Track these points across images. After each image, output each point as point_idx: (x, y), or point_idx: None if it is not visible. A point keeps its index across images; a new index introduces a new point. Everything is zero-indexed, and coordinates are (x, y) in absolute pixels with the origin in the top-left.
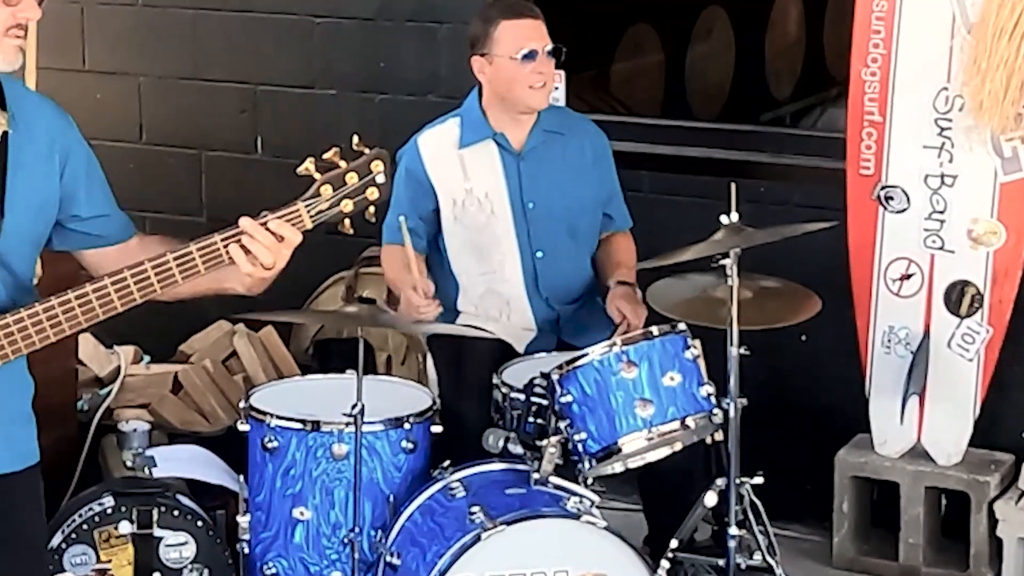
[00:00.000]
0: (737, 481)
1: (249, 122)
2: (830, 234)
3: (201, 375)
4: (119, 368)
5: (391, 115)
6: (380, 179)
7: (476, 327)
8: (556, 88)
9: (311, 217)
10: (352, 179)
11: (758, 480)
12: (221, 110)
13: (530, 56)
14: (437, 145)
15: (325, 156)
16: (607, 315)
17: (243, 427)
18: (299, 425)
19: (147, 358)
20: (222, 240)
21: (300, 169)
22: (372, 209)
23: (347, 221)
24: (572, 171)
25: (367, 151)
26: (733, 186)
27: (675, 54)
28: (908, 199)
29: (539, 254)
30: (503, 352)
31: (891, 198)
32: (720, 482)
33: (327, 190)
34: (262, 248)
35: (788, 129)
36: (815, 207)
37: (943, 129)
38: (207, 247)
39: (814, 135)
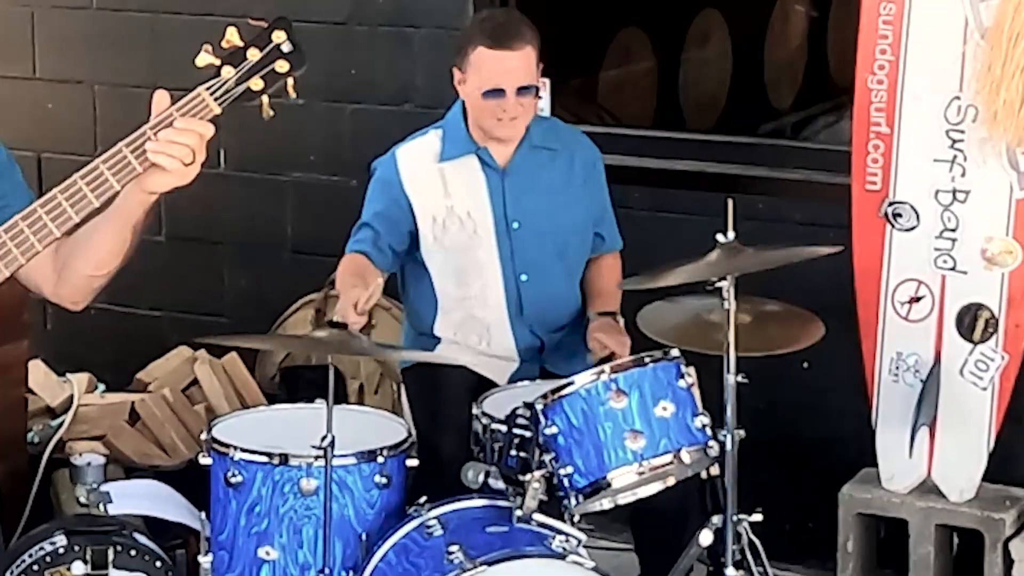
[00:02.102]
0: (734, 519)
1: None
2: (834, 254)
3: (160, 405)
4: (72, 397)
5: (363, 126)
6: (285, 48)
7: (453, 358)
8: (540, 97)
9: (217, 100)
10: (254, 54)
11: (757, 517)
12: None
13: (495, 94)
14: (417, 159)
15: (223, 43)
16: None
17: (205, 460)
18: (265, 458)
19: (102, 387)
20: (129, 148)
21: (198, 60)
22: (291, 83)
23: (265, 101)
24: (561, 188)
25: (266, 24)
26: (730, 202)
27: (668, 61)
28: (917, 216)
29: (524, 277)
30: (483, 380)
31: (899, 215)
32: (716, 520)
33: (228, 70)
34: (178, 147)
35: (789, 141)
36: (817, 225)
37: (955, 141)
38: (114, 160)
39: (817, 148)
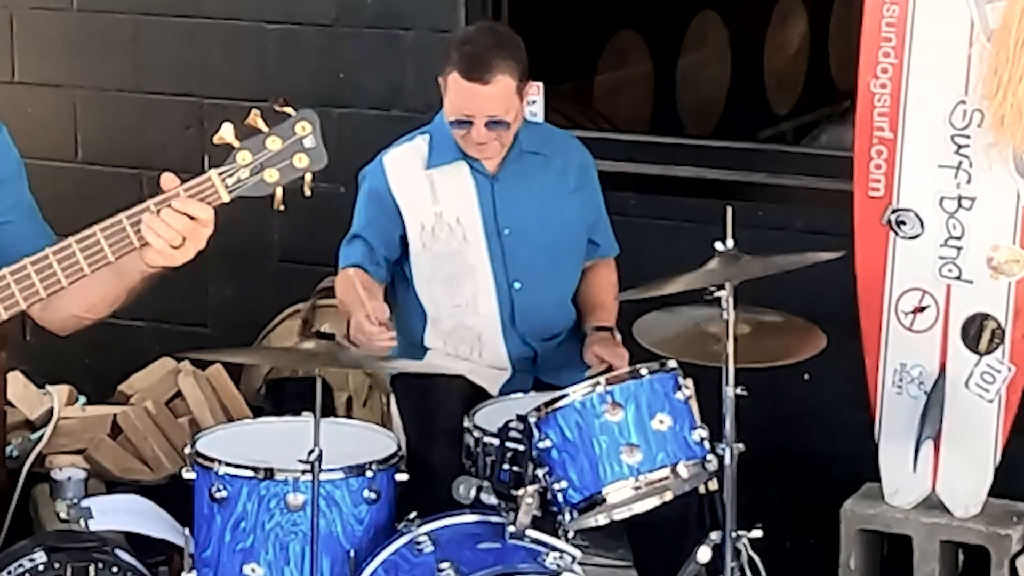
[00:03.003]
0: (733, 535)
1: (196, 139)
2: (836, 262)
3: (142, 418)
4: (52, 410)
5: (351, 131)
6: (308, 143)
7: (445, 367)
8: (533, 102)
9: (227, 188)
10: (275, 143)
11: (756, 533)
12: (165, 126)
13: (462, 124)
14: (404, 164)
15: (246, 122)
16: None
17: (188, 475)
18: (250, 473)
19: (83, 399)
20: (128, 220)
21: (216, 137)
22: (309, 178)
23: (278, 194)
24: (553, 194)
25: (294, 113)
26: (729, 210)
27: (665, 64)
28: (922, 224)
29: (516, 285)
30: (475, 393)
31: (903, 223)
32: (715, 536)
33: (245, 156)
34: (168, 229)
35: (789, 147)
36: (819, 232)
37: (960, 147)
38: (112, 230)
39: (818, 153)
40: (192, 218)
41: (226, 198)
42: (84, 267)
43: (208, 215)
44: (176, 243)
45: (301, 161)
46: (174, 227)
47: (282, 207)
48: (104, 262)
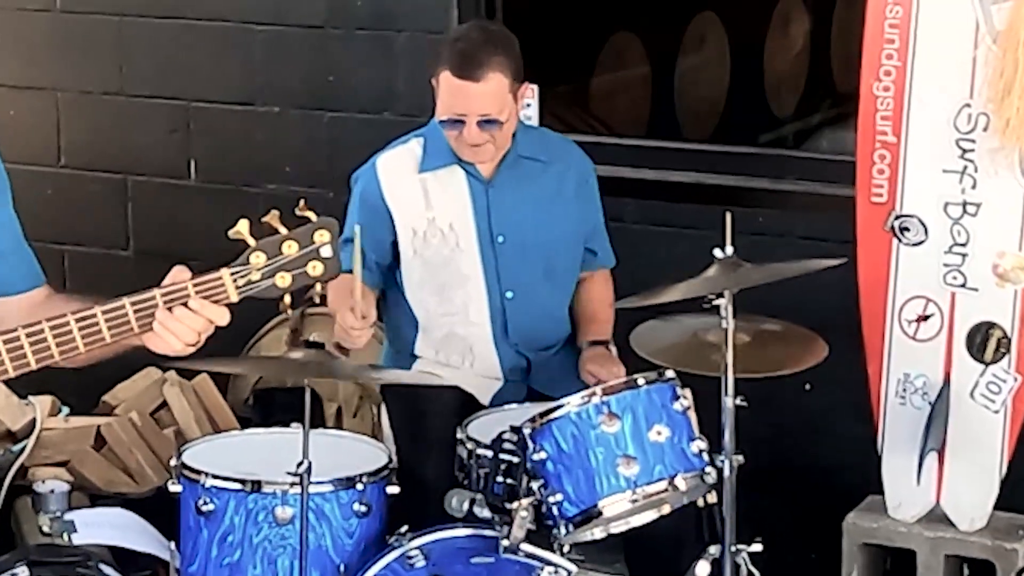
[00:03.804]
0: (733, 549)
1: (181, 143)
2: (837, 270)
3: (127, 429)
4: (34, 421)
5: (342, 135)
6: (325, 252)
7: (435, 375)
8: (528, 105)
9: (238, 289)
10: (291, 248)
11: (756, 548)
12: (149, 129)
13: (454, 124)
14: (397, 168)
15: (264, 219)
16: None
17: (174, 488)
18: (238, 485)
19: (66, 410)
20: (132, 307)
21: (232, 232)
22: (318, 288)
23: (286, 299)
24: (549, 201)
25: (314, 218)
26: (728, 216)
27: (663, 66)
28: (926, 230)
29: (509, 294)
30: (467, 403)
31: (906, 229)
32: (714, 550)
33: (259, 258)
34: (183, 327)
35: (790, 151)
36: (820, 239)
37: (965, 151)
38: (114, 313)
39: (819, 158)
40: (209, 320)
41: (235, 299)
42: (79, 345)
43: (225, 319)
44: (191, 341)
45: (315, 269)
46: (191, 327)
47: (289, 311)
48: (100, 344)
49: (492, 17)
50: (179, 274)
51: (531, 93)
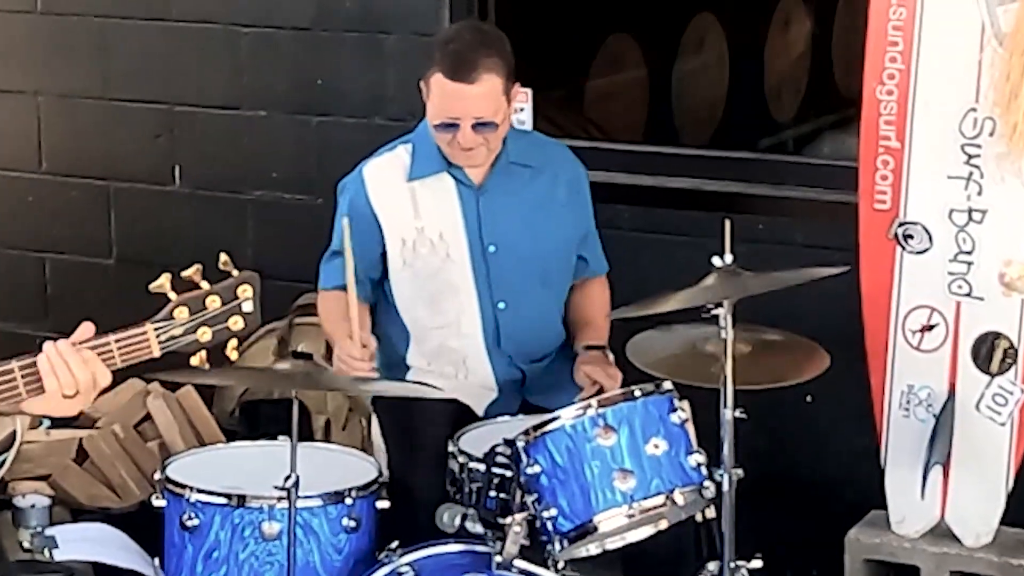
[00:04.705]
0: (732, 565)
1: (165, 148)
2: (840, 279)
3: (110, 442)
4: (14, 433)
5: (330, 140)
6: (247, 307)
7: (428, 385)
8: (521, 109)
9: (160, 344)
10: (214, 303)
11: (756, 564)
12: (133, 134)
13: (447, 128)
14: (385, 176)
15: (185, 273)
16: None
17: (158, 502)
18: (223, 500)
19: (47, 422)
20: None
21: (153, 285)
22: (235, 343)
23: (203, 354)
24: (541, 208)
25: (235, 273)
26: (727, 223)
27: (660, 69)
28: (930, 238)
29: (501, 305)
30: (460, 415)
31: (910, 236)
32: (712, 566)
33: (183, 313)
34: (65, 371)
35: (791, 157)
36: (822, 247)
37: (971, 157)
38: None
39: (821, 164)
40: (94, 377)
41: (157, 354)
42: None
43: (106, 380)
44: (70, 391)
45: (236, 324)
46: (78, 376)
47: (207, 365)
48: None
49: (484, 18)
50: (86, 331)
51: (524, 97)
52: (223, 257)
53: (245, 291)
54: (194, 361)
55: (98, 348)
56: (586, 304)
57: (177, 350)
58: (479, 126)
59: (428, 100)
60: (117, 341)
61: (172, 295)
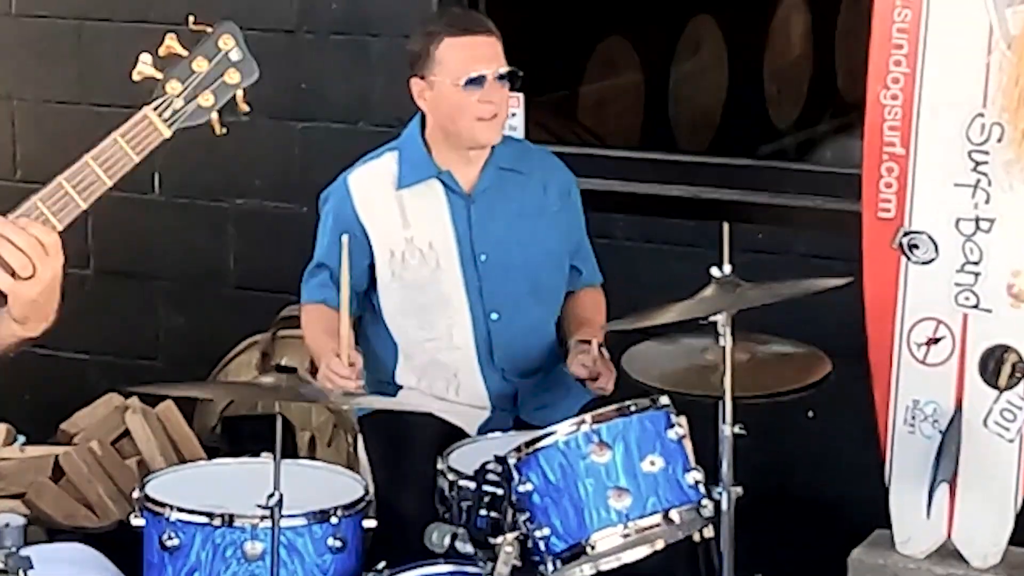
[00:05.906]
0: None
1: None
2: (842, 290)
3: (87, 459)
4: None
5: (315, 146)
6: (235, 56)
7: (417, 405)
8: (513, 115)
9: (167, 122)
10: (201, 65)
11: None
12: None
13: (476, 82)
14: (371, 185)
15: (161, 51)
16: (574, 385)
17: (137, 521)
18: (205, 519)
19: (22, 438)
20: None
21: (135, 73)
22: (241, 95)
23: (215, 117)
24: (532, 216)
25: (208, 29)
26: (726, 232)
27: (656, 73)
28: (936, 247)
29: (494, 316)
30: (449, 432)
31: (916, 246)
32: None
33: (174, 86)
34: (16, 253)
35: (792, 164)
36: (824, 257)
37: (978, 164)
38: None
39: (823, 171)
40: (40, 243)
41: (167, 133)
42: None
43: (49, 238)
44: (26, 273)
45: (232, 77)
46: (20, 246)
47: (223, 130)
48: None
49: None
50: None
51: (516, 102)
52: (191, 19)
53: (227, 42)
54: (217, 130)
55: (107, 149)
56: (581, 306)
57: (188, 123)
58: (501, 78)
59: (437, 78)
60: (123, 135)
61: (158, 74)
